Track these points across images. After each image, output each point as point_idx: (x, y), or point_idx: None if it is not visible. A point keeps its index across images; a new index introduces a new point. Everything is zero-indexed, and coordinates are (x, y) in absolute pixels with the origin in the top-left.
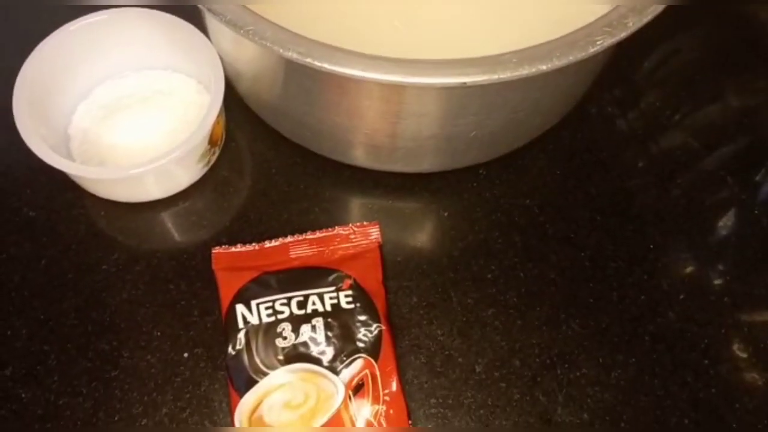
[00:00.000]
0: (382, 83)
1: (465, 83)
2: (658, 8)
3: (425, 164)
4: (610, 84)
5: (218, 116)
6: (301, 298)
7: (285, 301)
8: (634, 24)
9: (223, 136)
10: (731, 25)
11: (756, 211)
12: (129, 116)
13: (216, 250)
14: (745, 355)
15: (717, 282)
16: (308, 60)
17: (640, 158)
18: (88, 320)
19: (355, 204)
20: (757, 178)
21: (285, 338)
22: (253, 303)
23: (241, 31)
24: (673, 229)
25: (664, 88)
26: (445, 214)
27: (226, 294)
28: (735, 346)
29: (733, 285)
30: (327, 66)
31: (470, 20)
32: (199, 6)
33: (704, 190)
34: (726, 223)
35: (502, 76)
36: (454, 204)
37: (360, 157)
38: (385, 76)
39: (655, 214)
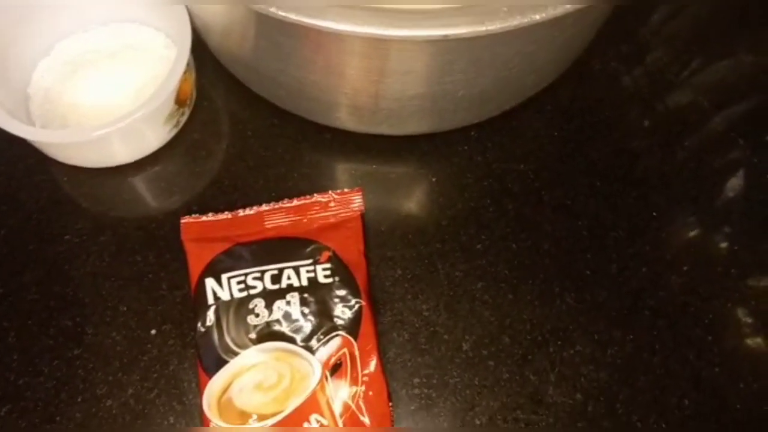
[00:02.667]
0: (359, 36)
1: (448, 35)
2: None
3: (411, 126)
4: (615, 39)
5: (185, 73)
6: (276, 272)
7: (258, 275)
8: None
9: (193, 96)
10: None
11: (765, 174)
12: (93, 73)
13: (185, 219)
14: (750, 331)
15: (722, 250)
16: (272, 10)
17: (645, 118)
18: (50, 294)
19: (337, 169)
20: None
21: (257, 315)
22: (224, 277)
23: None
24: (678, 195)
25: (672, 44)
26: (433, 179)
27: (195, 267)
28: (741, 321)
29: (739, 254)
30: (294, 17)
31: None
32: None
33: (712, 151)
34: (734, 185)
35: (490, 27)
36: (442, 169)
37: (341, 118)
38: (361, 29)
39: (659, 178)
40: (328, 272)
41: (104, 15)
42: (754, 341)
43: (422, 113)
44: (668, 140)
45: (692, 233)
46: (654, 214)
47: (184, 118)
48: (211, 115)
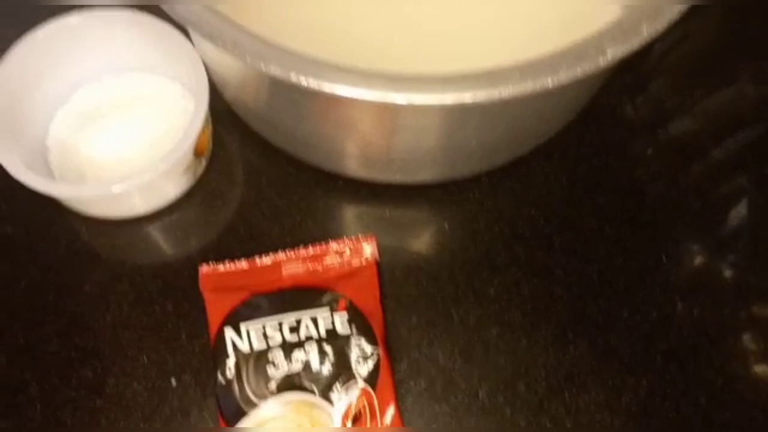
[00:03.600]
0: (373, 102)
1: (464, 102)
2: (675, 14)
3: (423, 175)
4: (620, 70)
5: (204, 125)
6: (294, 322)
7: (276, 325)
8: (648, 32)
9: (210, 145)
10: (748, 8)
11: None
12: (109, 125)
13: (203, 269)
14: (756, 358)
15: (728, 279)
16: (291, 75)
17: (649, 146)
18: (70, 345)
19: (351, 215)
20: None
21: (277, 366)
22: (243, 327)
23: (220, 44)
24: (684, 231)
25: (674, 73)
26: (446, 225)
27: (214, 317)
28: (752, 365)
29: (751, 296)
30: (312, 82)
31: (470, 24)
32: (175, 18)
33: (717, 180)
34: (738, 214)
35: (504, 92)
36: (454, 214)
37: (354, 168)
38: (377, 95)
39: (667, 220)
40: (345, 321)
41: (116, 65)
42: (761, 369)
43: (434, 164)
44: (672, 169)
45: (698, 261)
46: (663, 257)
47: (201, 169)
48: (227, 163)
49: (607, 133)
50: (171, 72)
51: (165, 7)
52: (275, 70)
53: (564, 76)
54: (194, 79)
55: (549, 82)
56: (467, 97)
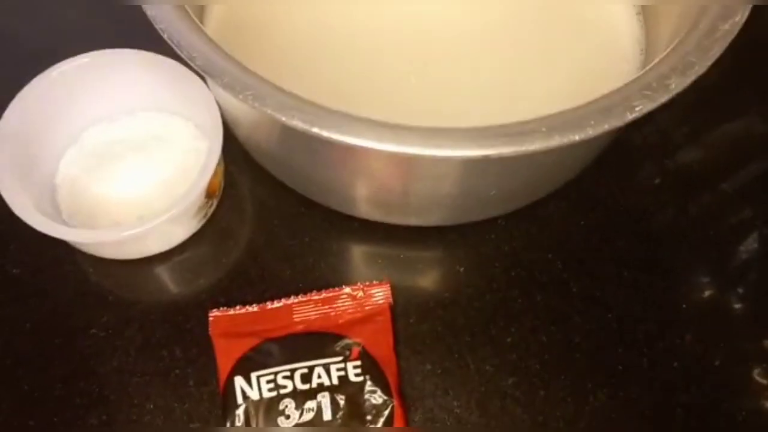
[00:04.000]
0: (394, 154)
1: (489, 156)
2: (703, 67)
3: (439, 219)
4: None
5: (216, 168)
6: (306, 370)
7: (288, 373)
8: (676, 86)
9: (222, 186)
10: (759, 48)
11: None
12: (120, 165)
13: (213, 313)
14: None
15: (739, 312)
16: (315, 129)
17: (657, 180)
18: (76, 391)
19: (364, 257)
20: None
21: (288, 417)
22: (253, 375)
23: (240, 96)
24: (710, 285)
25: (682, 103)
26: (461, 269)
27: (224, 364)
28: (757, 383)
29: (754, 333)
30: (336, 136)
31: (494, 77)
32: (194, 66)
33: (725, 214)
34: (748, 248)
35: (530, 147)
36: (470, 258)
37: (369, 212)
38: (400, 149)
39: (688, 267)
40: (358, 370)
41: (129, 104)
42: None
43: (451, 208)
44: (681, 200)
45: (707, 294)
46: (684, 306)
47: (212, 209)
48: (239, 203)
49: (619, 168)
50: (184, 112)
51: (186, 57)
52: (297, 124)
53: (592, 131)
54: (208, 120)
55: (576, 137)
56: (493, 152)
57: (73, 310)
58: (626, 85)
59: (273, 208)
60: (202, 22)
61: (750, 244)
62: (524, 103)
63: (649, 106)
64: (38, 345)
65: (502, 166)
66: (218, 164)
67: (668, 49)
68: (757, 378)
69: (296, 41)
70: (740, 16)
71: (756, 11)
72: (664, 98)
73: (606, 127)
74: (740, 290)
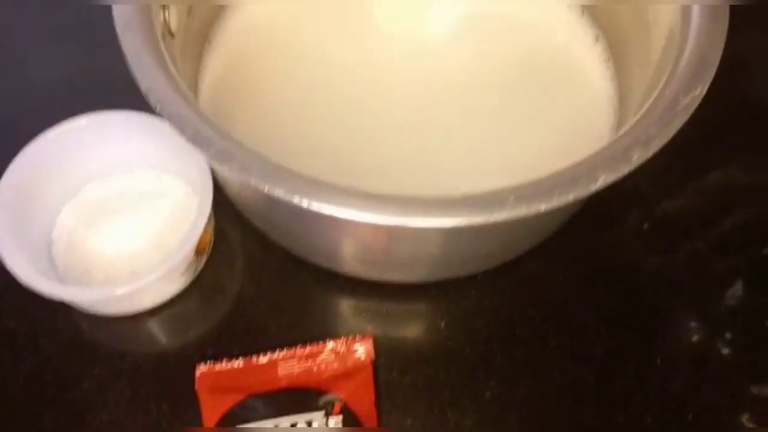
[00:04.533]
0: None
1: (459, 226)
2: (665, 137)
3: (421, 276)
4: None
5: (206, 226)
6: (288, 426)
7: (271, 428)
8: (638, 157)
9: (212, 242)
10: (740, 100)
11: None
12: (115, 221)
13: (200, 368)
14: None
15: (725, 358)
16: (296, 199)
17: (645, 226)
18: None
19: (348, 311)
20: (765, 252)
21: None
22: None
23: (225, 166)
24: (697, 331)
25: (666, 157)
26: (443, 323)
27: (209, 419)
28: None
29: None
30: (315, 205)
31: (474, 142)
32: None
33: (711, 261)
34: (734, 293)
35: (498, 217)
36: (452, 312)
37: (353, 269)
38: (377, 219)
39: (665, 322)
40: (339, 425)
41: (125, 163)
42: None
43: (432, 267)
44: (667, 249)
45: (695, 339)
46: (658, 361)
47: (201, 265)
48: (228, 256)
49: (599, 220)
50: (177, 170)
51: (176, 128)
52: (280, 193)
53: (557, 201)
54: (199, 179)
55: (542, 207)
56: (463, 221)
57: (66, 363)
58: (591, 156)
59: (261, 263)
60: (196, 86)
61: (735, 291)
62: (501, 174)
63: (612, 177)
64: (31, 396)
65: (476, 230)
66: (208, 222)
67: (632, 122)
68: (747, 423)
69: (284, 109)
70: (700, 90)
71: (735, 69)
72: (626, 170)
73: (571, 197)
74: (728, 336)
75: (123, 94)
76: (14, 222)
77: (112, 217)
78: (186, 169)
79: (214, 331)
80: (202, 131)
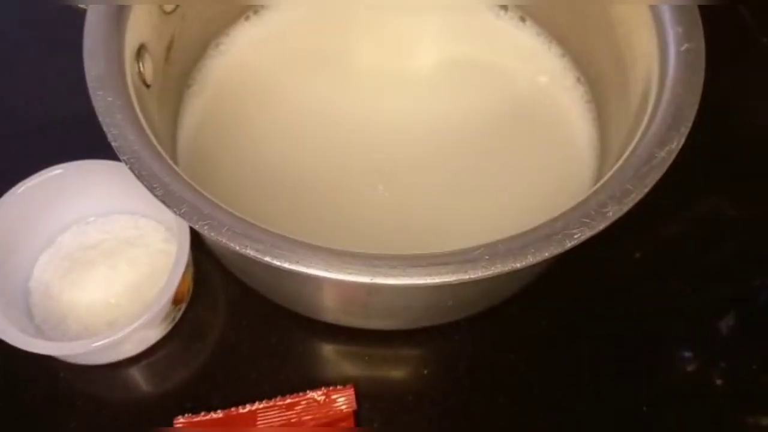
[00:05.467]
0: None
1: (434, 283)
2: (639, 194)
3: (401, 324)
4: None
5: (183, 275)
6: None
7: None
8: (614, 213)
9: (190, 290)
10: (726, 132)
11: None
12: (93, 271)
13: (178, 421)
14: None
15: (718, 405)
16: (267, 259)
17: (637, 255)
18: None
19: (330, 358)
20: (755, 283)
21: None
22: None
23: (197, 225)
24: (691, 361)
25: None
26: (425, 371)
27: None
28: None
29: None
30: (287, 266)
31: (450, 180)
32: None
33: (702, 293)
34: (727, 324)
35: (473, 275)
36: (435, 360)
37: (333, 318)
38: (348, 277)
39: (658, 353)
40: None
41: (102, 208)
42: None
43: (412, 316)
44: (658, 279)
45: (689, 369)
46: (644, 408)
47: (180, 314)
48: (208, 304)
49: (585, 277)
50: (155, 215)
51: (147, 187)
52: (249, 252)
53: (532, 258)
54: (176, 224)
55: (517, 265)
56: (437, 279)
57: (43, 416)
58: (566, 212)
59: (241, 311)
60: (175, 129)
61: (728, 321)
62: (482, 220)
63: (587, 233)
64: None
65: (454, 287)
66: (186, 271)
67: (607, 176)
68: None
69: (264, 151)
70: (676, 144)
71: (724, 101)
72: (601, 226)
73: (546, 254)
74: (722, 365)
75: (99, 140)
76: None
77: (89, 267)
78: (164, 213)
79: (194, 380)
80: (173, 190)
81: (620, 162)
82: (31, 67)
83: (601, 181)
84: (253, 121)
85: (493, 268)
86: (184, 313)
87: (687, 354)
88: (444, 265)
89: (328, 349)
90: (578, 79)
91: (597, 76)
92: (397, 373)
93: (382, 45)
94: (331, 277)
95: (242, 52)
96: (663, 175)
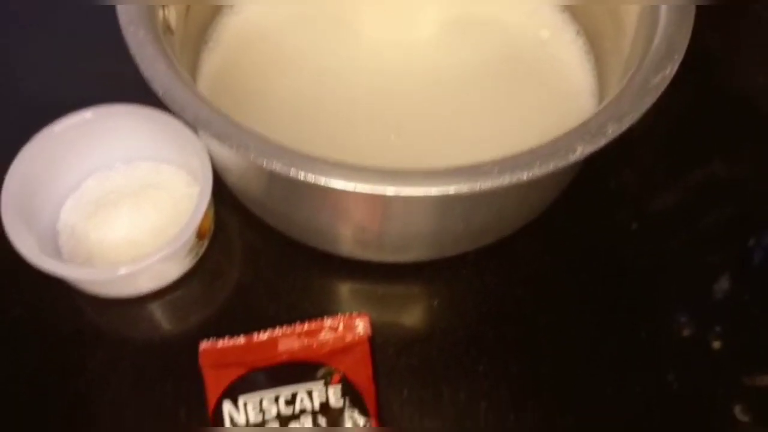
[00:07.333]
0: (364, 194)
1: (447, 194)
2: (637, 114)
3: (414, 255)
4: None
5: (207, 210)
6: (289, 396)
7: (273, 398)
8: (612, 131)
9: (212, 228)
10: (719, 95)
11: (748, 277)
12: (117, 212)
13: (203, 345)
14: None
15: (714, 351)
16: (292, 172)
17: (634, 226)
18: (72, 426)
19: (345, 294)
20: (749, 244)
21: None
22: (240, 401)
23: (226, 144)
24: (666, 320)
25: (650, 155)
26: (435, 303)
27: (212, 392)
28: (738, 422)
29: (732, 353)
30: (311, 177)
31: (458, 122)
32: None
33: (700, 254)
34: (721, 287)
35: (483, 185)
36: (444, 292)
37: (348, 250)
38: (366, 188)
39: (648, 301)
40: (338, 395)
41: (127, 155)
42: None
43: (424, 245)
44: (654, 245)
45: (686, 333)
46: (643, 335)
47: (203, 249)
48: (227, 244)
49: (591, 208)
50: (178, 161)
51: (178, 112)
52: (276, 167)
53: (538, 171)
54: (199, 167)
55: (524, 176)
56: (451, 189)
57: (71, 348)
58: (570, 131)
59: (260, 250)
60: (194, 79)
61: (723, 284)
62: (487, 150)
63: (588, 149)
64: (36, 381)
65: (465, 204)
66: (208, 207)
67: (607, 101)
68: (740, 415)
69: (278, 105)
70: (669, 70)
71: (713, 64)
72: (602, 142)
73: (551, 167)
74: (717, 329)
75: (125, 89)
76: (23, 214)
77: (114, 208)
78: (187, 159)
79: (215, 314)
80: (202, 114)
81: (618, 90)
82: (65, 15)
83: (601, 105)
84: (266, 78)
85: (502, 178)
86: (204, 255)
87: (683, 318)
88: (458, 176)
89: (344, 285)
90: (577, 32)
91: (594, 29)
92: (409, 307)
93: (387, 4)
94: (350, 189)
95: (257, 10)
96: (657, 144)
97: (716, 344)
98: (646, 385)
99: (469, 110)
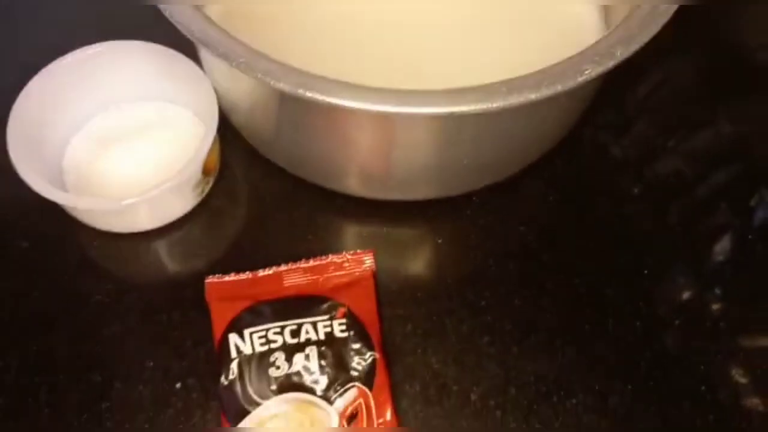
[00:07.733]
0: (372, 113)
1: (454, 113)
2: (645, 38)
3: (419, 192)
4: (603, 111)
5: (212, 146)
6: (295, 327)
7: (278, 329)
8: (621, 54)
9: (218, 166)
10: (721, 52)
11: (750, 237)
12: (123, 149)
13: (209, 279)
14: (744, 381)
15: (714, 308)
16: (300, 91)
17: (635, 185)
18: (79, 352)
19: (350, 232)
20: (752, 203)
21: (278, 368)
22: (246, 332)
23: (234, 63)
24: (668, 257)
25: (656, 115)
26: (440, 241)
27: (219, 324)
28: (733, 372)
29: (730, 310)
30: (318, 96)
31: (467, 50)
32: (192, 39)
33: (699, 216)
34: (722, 248)
35: (492, 105)
36: (448, 231)
37: (354, 186)
38: (375, 107)
39: (650, 240)
40: (343, 327)
41: (133, 93)
42: (750, 401)
43: (429, 181)
44: (657, 205)
45: (684, 294)
46: (645, 272)
47: (208, 187)
48: (232, 183)
49: (594, 161)
50: (184, 100)
51: (181, 29)
52: (284, 86)
53: (546, 91)
54: (205, 105)
55: (533, 96)
56: (459, 108)
57: (77, 280)
58: (578, 54)
59: (265, 188)
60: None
61: (724, 246)
62: (496, 73)
63: (597, 70)
64: (44, 311)
65: (471, 131)
66: (214, 143)
67: (615, 26)
68: (739, 377)
69: (291, 26)
70: None
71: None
72: (610, 64)
73: (559, 87)
74: (717, 291)
75: (135, 27)
76: (30, 148)
77: (121, 146)
78: (194, 99)
79: (221, 252)
80: (211, 34)
81: (627, 16)
82: None
83: (610, 29)
84: (275, 25)
85: (511, 98)
86: (209, 194)
87: (682, 280)
88: (466, 95)
89: (349, 223)
90: None
91: None
92: (414, 244)
93: None
94: (358, 107)
95: None
96: (658, 107)
97: (715, 307)
98: (642, 323)
99: (479, 35)
